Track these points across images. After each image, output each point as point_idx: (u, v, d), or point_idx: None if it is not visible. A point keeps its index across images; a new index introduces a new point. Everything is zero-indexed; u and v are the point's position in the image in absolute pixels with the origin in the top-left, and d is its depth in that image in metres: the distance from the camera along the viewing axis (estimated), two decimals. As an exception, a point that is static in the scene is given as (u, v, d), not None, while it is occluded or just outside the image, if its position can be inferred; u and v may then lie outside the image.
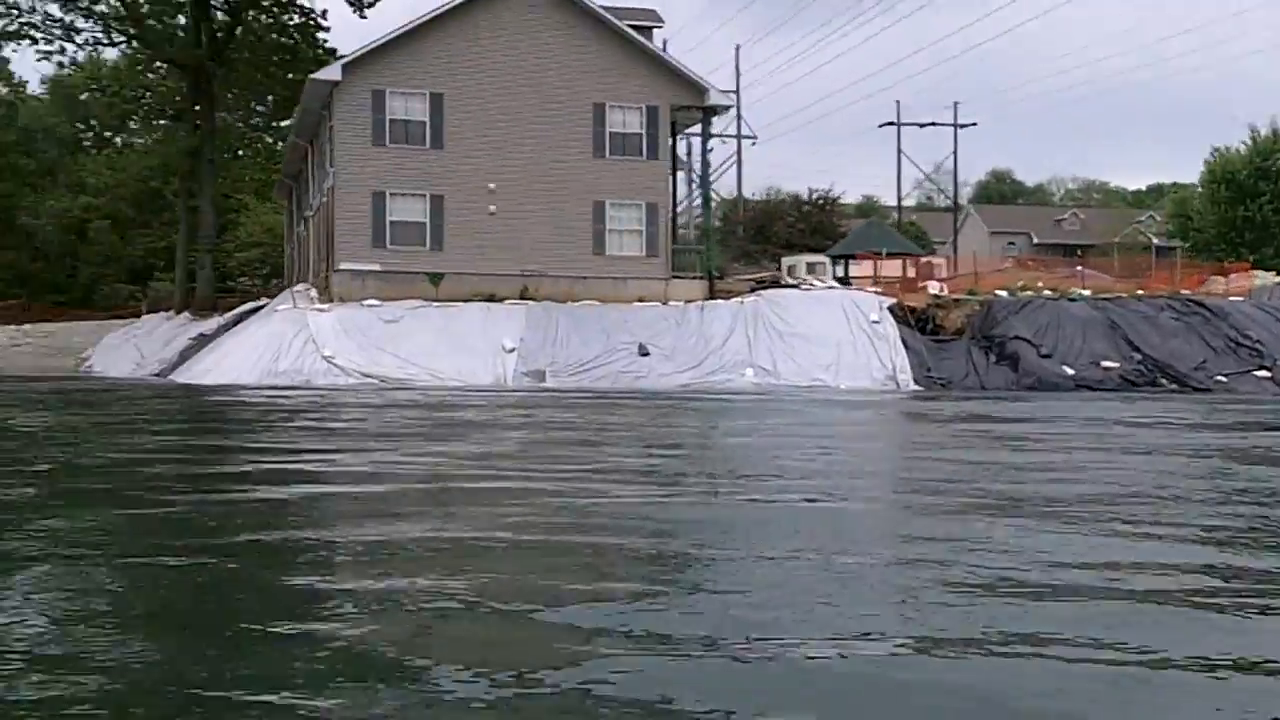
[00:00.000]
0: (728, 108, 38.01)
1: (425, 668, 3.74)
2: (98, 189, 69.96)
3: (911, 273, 40.85)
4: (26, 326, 60.15)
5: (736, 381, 31.15)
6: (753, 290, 35.03)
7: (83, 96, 76.31)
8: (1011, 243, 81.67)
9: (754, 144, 70.22)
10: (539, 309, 33.16)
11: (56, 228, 69.26)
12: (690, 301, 34.34)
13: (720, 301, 34.25)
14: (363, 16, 49.88)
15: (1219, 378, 31.84)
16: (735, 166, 63.10)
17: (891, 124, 67.28)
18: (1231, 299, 36.33)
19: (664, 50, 39.03)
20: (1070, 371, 31.71)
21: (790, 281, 37.07)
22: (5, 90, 74.25)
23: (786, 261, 42.61)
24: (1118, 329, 33.34)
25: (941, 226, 76.58)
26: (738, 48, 74.61)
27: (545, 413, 19.35)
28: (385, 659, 3.85)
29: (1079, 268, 43.06)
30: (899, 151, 67.54)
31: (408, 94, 34.48)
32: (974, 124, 71.66)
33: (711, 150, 38.31)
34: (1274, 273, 42.49)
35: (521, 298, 33.72)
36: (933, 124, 68.69)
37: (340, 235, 34.04)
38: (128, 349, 46.03)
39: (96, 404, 22.04)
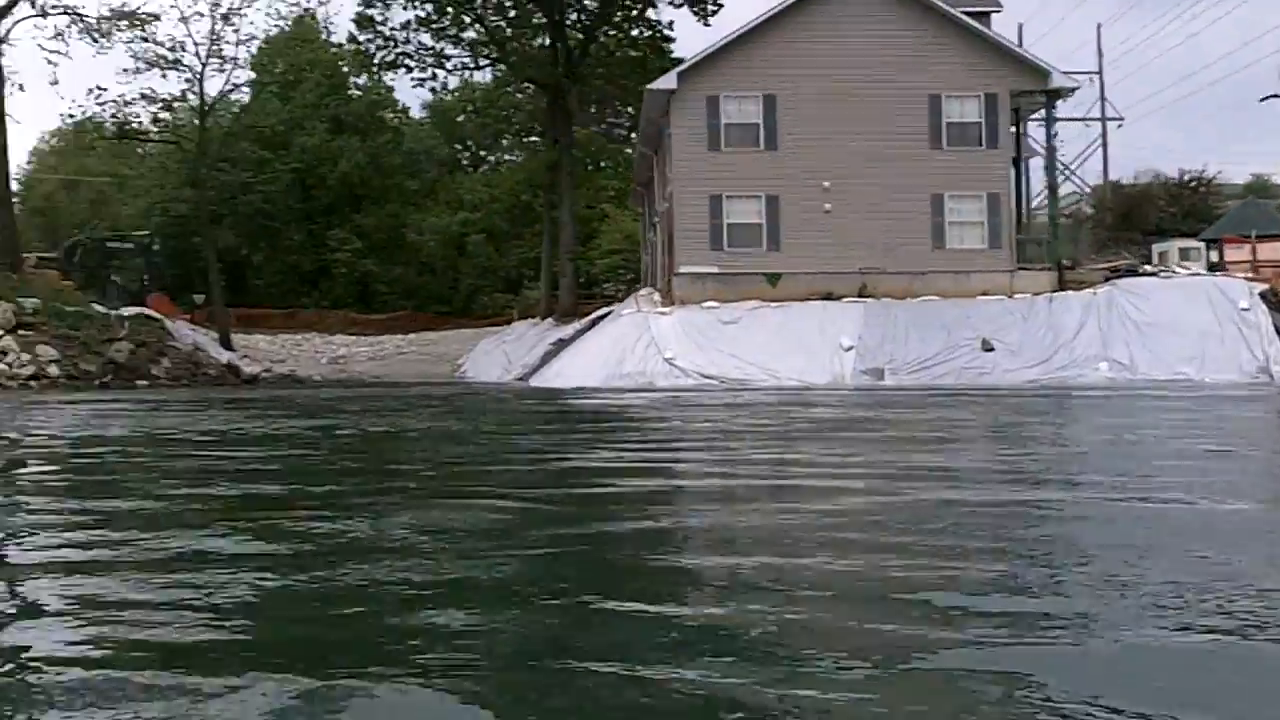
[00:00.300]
0: (1073, 90, 36.13)
1: (780, 646, 3.77)
2: (474, 205, 74.95)
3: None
4: (412, 336, 65.29)
5: (1089, 376, 29.61)
6: (1106, 280, 33.14)
7: (459, 119, 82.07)
8: None
9: (1119, 126, 66.29)
10: (877, 306, 32.75)
11: (438, 243, 74.61)
12: (1038, 294, 32.92)
13: (1070, 293, 32.59)
14: (706, 24, 51.05)
15: None
16: (1100, 150, 60.01)
17: (1276, 96, 61.80)
18: None
19: (1019, 35, 37.70)
20: None
21: (1149, 269, 34.79)
22: (391, 116, 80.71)
23: (1157, 248, 40.12)
24: None
25: (1345, 203, 69.61)
26: (1099, 26, 70.94)
27: (890, 411, 18.99)
28: (737, 637, 3.91)
29: None
30: (1285, 123, 61.93)
31: (741, 97, 34.98)
32: (1373, 89, 64.43)
33: (1056, 135, 36.61)
34: None
35: (859, 295, 33.40)
36: (1319, 93, 62.51)
37: (679, 239, 34.94)
38: (497, 355, 49.01)
39: (462, 407, 23.58)
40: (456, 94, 78.00)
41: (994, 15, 36.57)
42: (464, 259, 75.60)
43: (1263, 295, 30.83)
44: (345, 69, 74.08)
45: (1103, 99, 58.70)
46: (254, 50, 63.15)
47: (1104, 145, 60.04)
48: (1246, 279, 32.56)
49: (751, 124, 34.99)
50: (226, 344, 47.20)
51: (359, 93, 78.23)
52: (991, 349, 30.95)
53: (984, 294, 33.20)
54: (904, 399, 22.86)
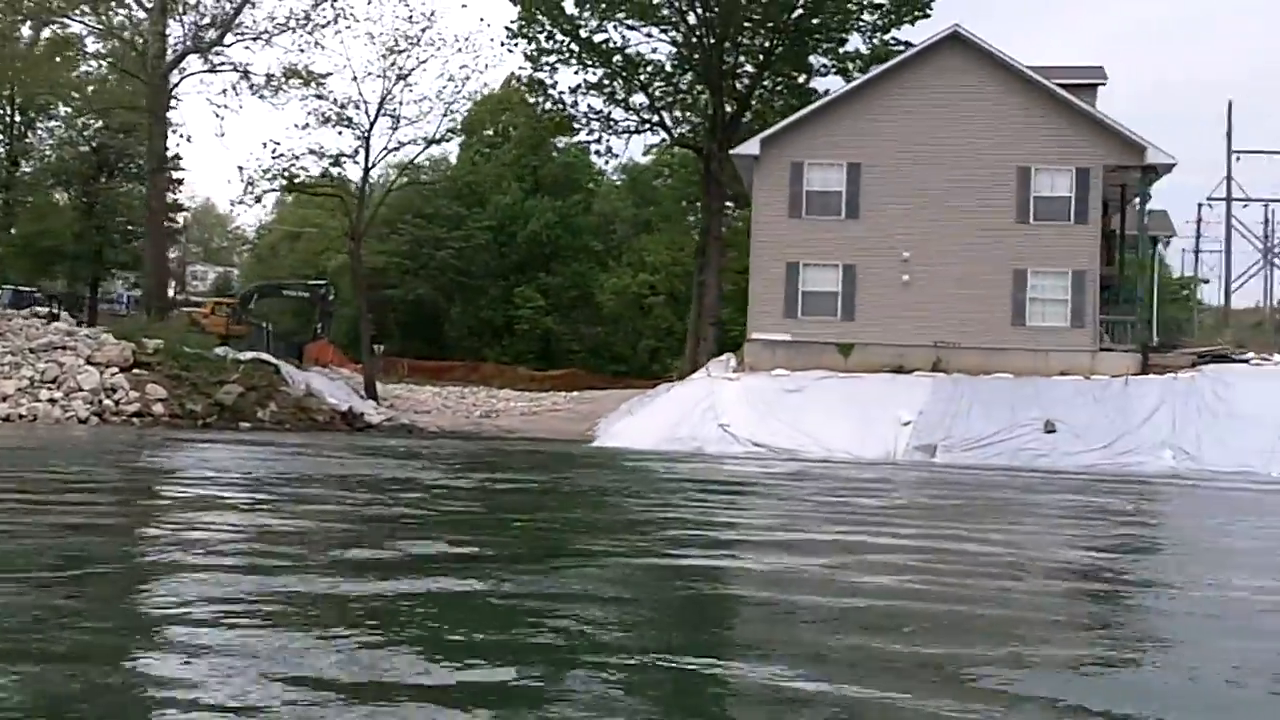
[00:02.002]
0: (1170, 166, 33.89)
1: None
2: (654, 267, 76.15)
3: None
4: (575, 394, 66.38)
5: (1150, 464, 27.75)
6: (1194, 364, 31.08)
7: (655, 182, 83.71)
8: None
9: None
10: (946, 381, 31.70)
11: (618, 303, 76.08)
12: (1117, 376, 31.18)
13: (1152, 377, 30.70)
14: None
15: None
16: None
17: None
18: None
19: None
20: None
21: (1240, 356, 32.33)
22: (586, 179, 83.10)
23: None
24: None
25: None
26: (1230, 103, 63.02)
27: (947, 490, 18.51)
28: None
29: None
30: None
31: (825, 165, 34.60)
32: None
33: (1148, 212, 34.43)
34: None
35: (933, 369, 32.41)
36: None
37: (754, 305, 34.78)
38: (625, 415, 49.44)
39: (499, 465, 23.36)
40: (653, 157, 79.64)
41: (1100, 88, 35.00)
42: (644, 320, 76.74)
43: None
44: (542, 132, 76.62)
45: (1229, 178, 54.84)
46: (425, 110, 65.68)
47: (1227, 226, 56.11)
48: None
49: (834, 192, 34.53)
50: (371, 392, 49.27)
51: (557, 154, 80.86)
52: (1053, 430, 29.40)
53: (1063, 373, 31.60)
54: (959, 478, 22.05)
